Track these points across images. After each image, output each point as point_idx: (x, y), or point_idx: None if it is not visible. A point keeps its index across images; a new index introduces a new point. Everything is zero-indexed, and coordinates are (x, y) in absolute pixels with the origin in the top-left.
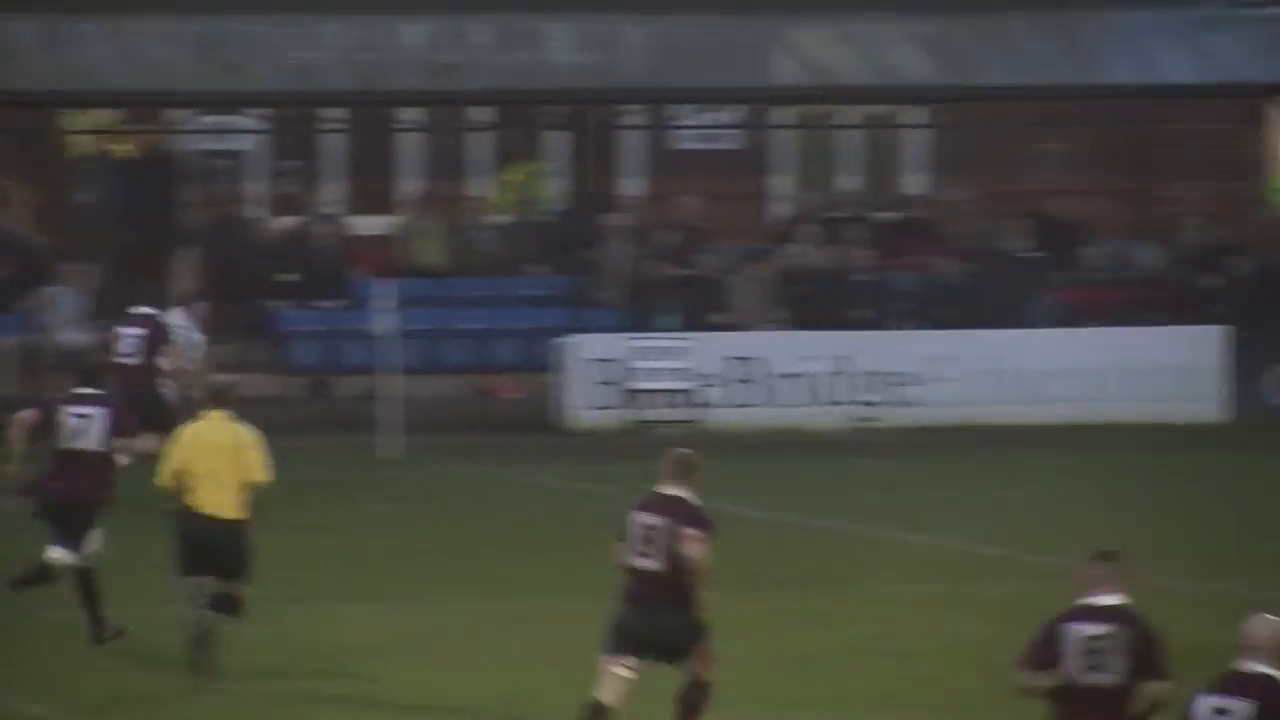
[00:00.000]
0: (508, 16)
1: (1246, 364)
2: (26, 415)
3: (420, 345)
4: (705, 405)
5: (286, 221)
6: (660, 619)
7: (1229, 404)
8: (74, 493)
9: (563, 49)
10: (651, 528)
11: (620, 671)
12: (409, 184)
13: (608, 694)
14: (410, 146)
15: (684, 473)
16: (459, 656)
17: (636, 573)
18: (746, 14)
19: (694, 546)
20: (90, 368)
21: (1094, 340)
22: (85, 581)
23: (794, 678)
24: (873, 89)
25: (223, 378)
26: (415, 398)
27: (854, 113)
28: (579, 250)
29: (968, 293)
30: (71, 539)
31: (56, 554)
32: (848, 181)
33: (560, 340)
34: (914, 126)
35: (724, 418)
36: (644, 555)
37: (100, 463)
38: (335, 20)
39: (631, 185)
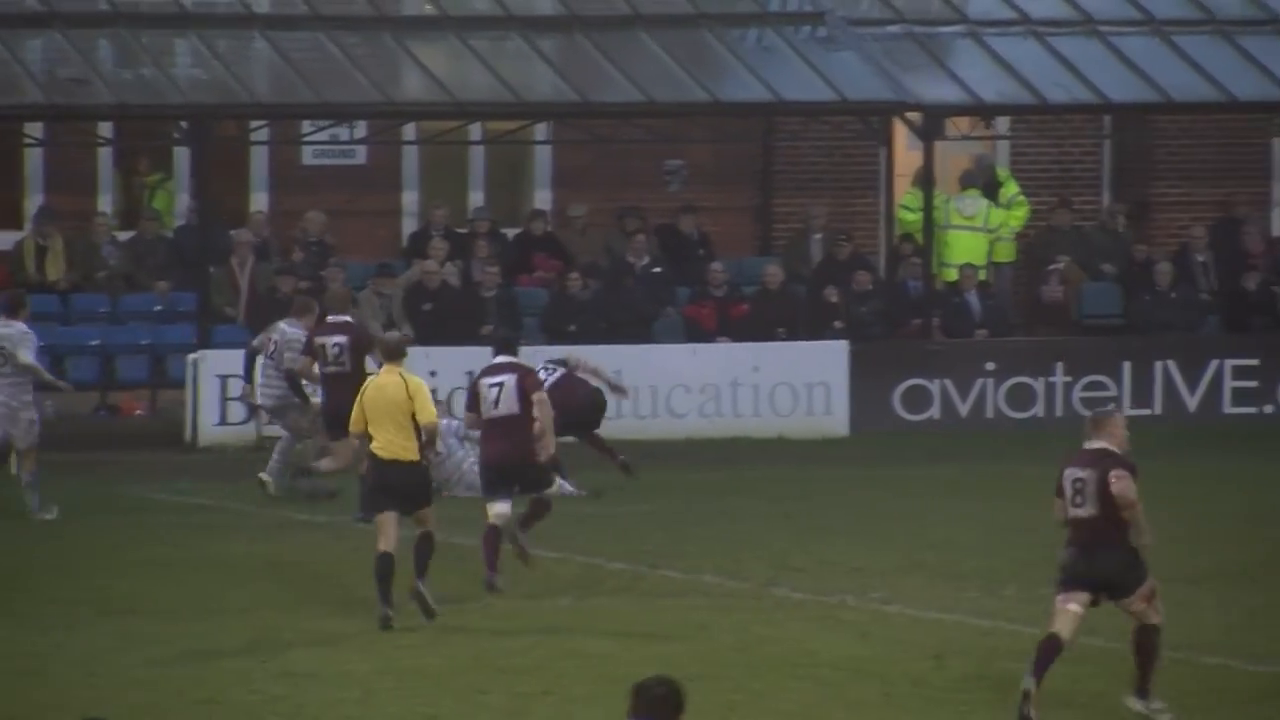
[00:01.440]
0: (131, 32)
1: (870, 379)
2: None
3: (44, 362)
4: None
5: None
6: (1100, 559)
7: (854, 418)
8: None
9: (187, 64)
10: (1080, 479)
11: (1072, 608)
12: (32, 199)
13: (1064, 630)
14: (34, 161)
15: (1102, 428)
16: (79, 676)
17: (1075, 521)
18: (373, 30)
19: (1121, 483)
20: None
21: (719, 355)
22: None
23: (418, 694)
24: (499, 105)
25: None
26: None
27: (480, 128)
28: (205, 265)
29: (594, 308)
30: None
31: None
32: (476, 197)
33: (188, 356)
34: (539, 143)
35: None
36: (1078, 505)
37: None
38: None
39: (259, 200)
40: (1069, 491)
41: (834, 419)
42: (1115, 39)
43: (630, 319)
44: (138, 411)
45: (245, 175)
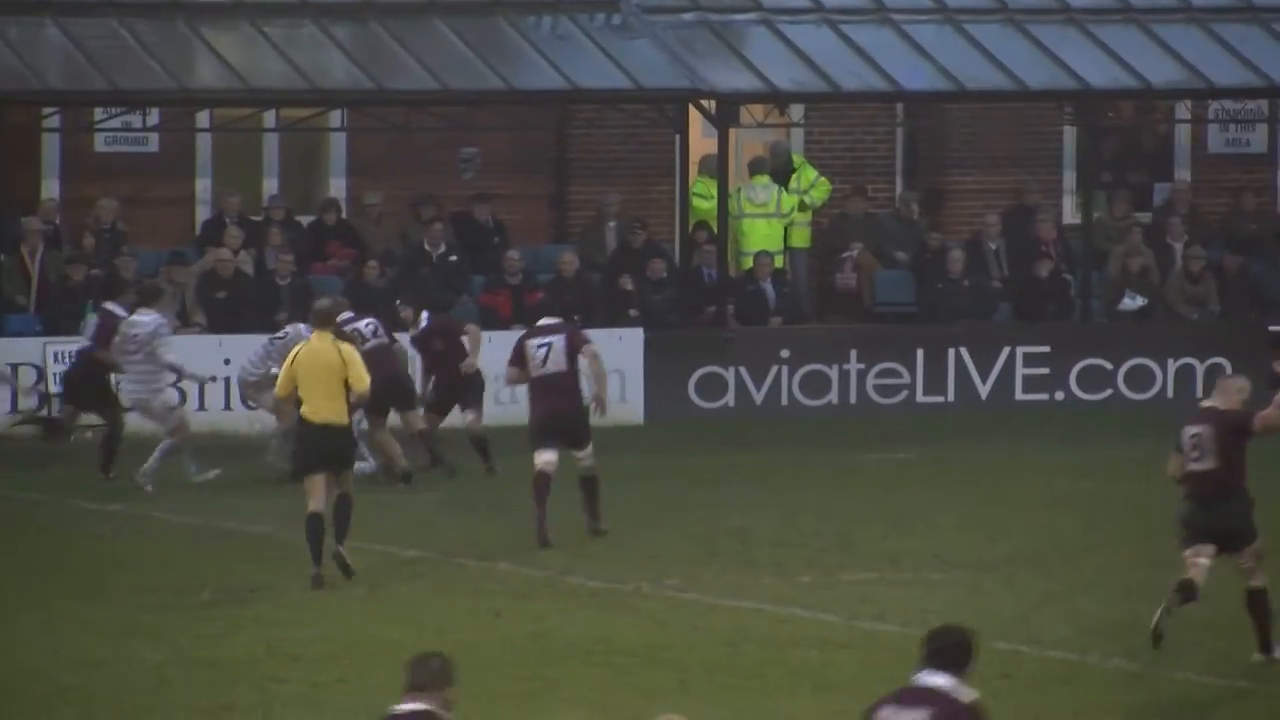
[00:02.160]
0: None
1: (665, 367)
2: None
3: None
4: (125, 409)
5: None
6: (1218, 511)
7: (649, 406)
8: None
9: None
10: (1197, 434)
11: (1202, 561)
12: None
13: (1198, 578)
14: None
15: (1218, 389)
16: None
17: (1194, 475)
18: (167, 17)
19: (1269, 416)
20: None
21: (513, 343)
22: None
23: (213, 683)
24: (292, 92)
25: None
26: None
27: (273, 116)
28: None
29: (390, 296)
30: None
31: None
32: (270, 185)
33: None
34: (334, 130)
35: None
36: (1196, 459)
37: None
38: None
39: (50, 188)
40: (1186, 447)
41: (629, 407)
42: (908, 27)
43: (427, 307)
44: None
45: (36, 162)
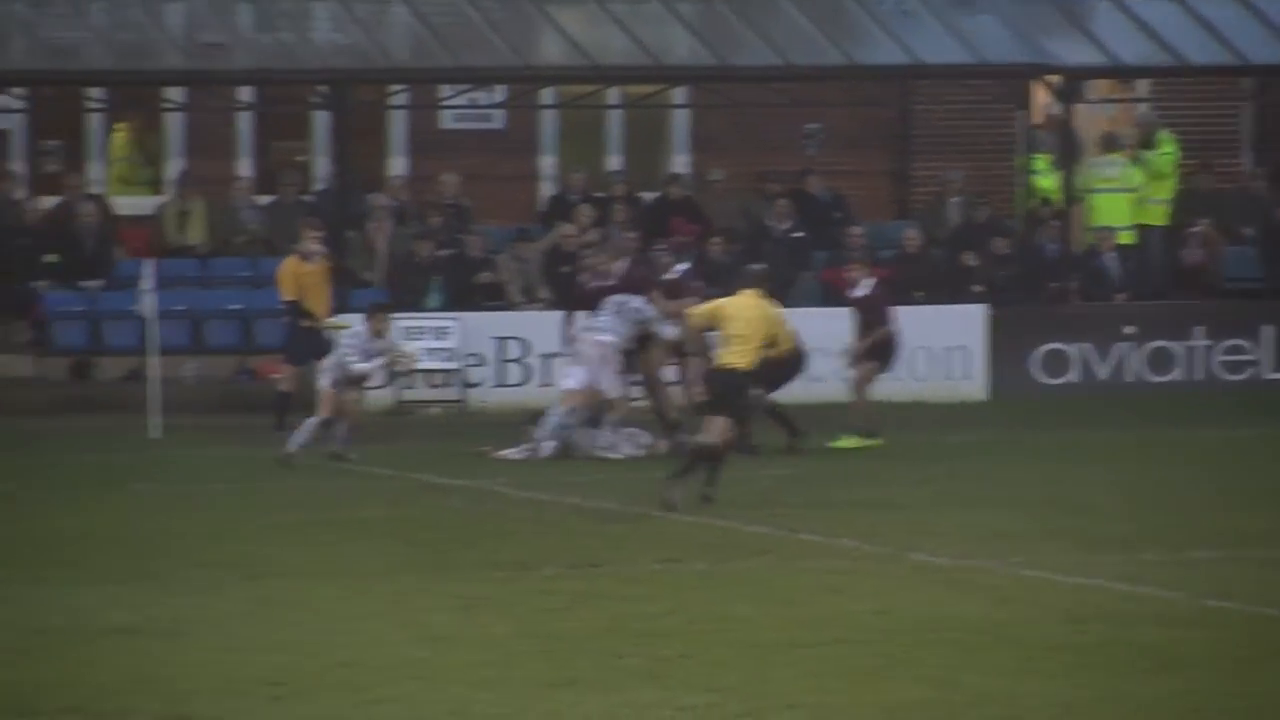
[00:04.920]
0: None
1: (1009, 343)
2: None
3: (184, 326)
4: (470, 385)
5: (49, 201)
6: None
7: (992, 383)
8: None
9: (326, 28)
10: None
11: None
12: (173, 164)
13: None
14: (174, 126)
15: None
16: (220, 639)
17: None
18: None
19: None
20: None
21: None
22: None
23: (556, 657)
24: (636, 69)
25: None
26: (178, 378)
27: (618, 92)
28: (343, 230)
29: (731, 272)
30: None
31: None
32: (613, 161)
33: None
34: (676, 107)
35: (489, 397)
36: None
37: None
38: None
39: (397, 165)
40: None
41: (972, 383)
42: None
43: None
44: (276, 375)
45: (383, 140)
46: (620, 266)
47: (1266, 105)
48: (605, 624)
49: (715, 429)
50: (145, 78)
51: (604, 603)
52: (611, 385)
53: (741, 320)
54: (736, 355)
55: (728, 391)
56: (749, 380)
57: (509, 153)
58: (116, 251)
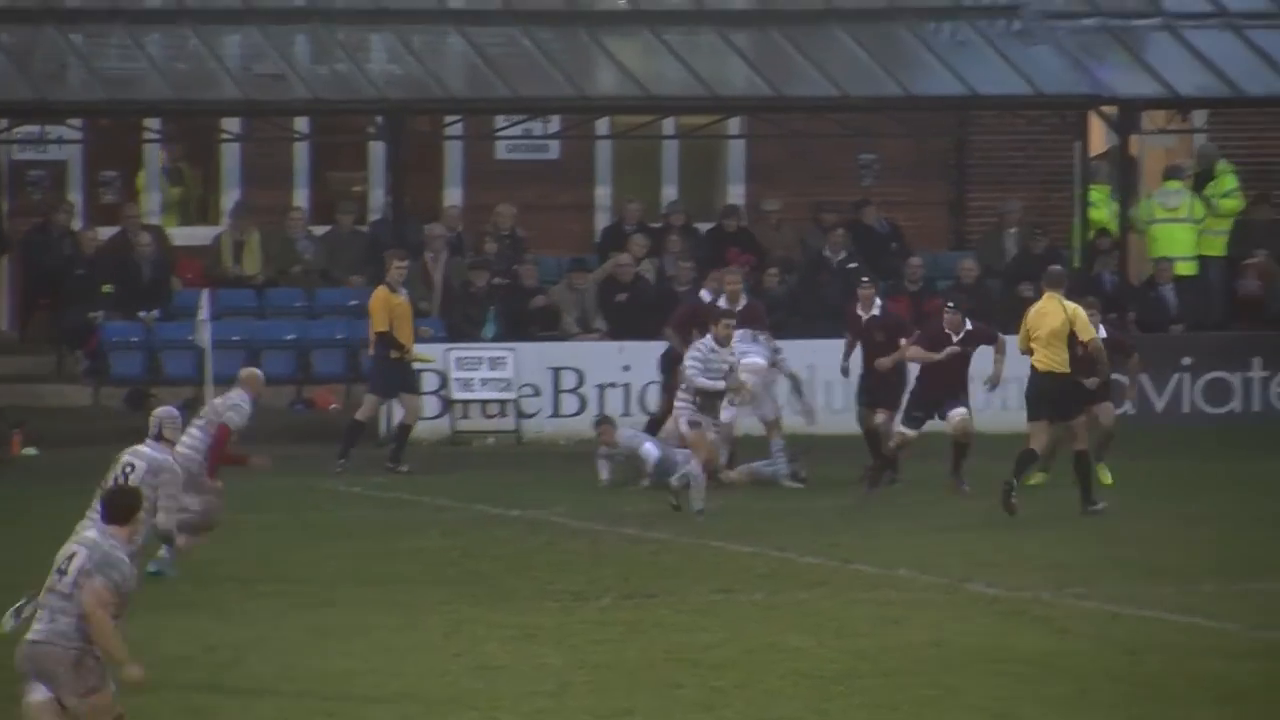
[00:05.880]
0: (327, 27)
1: None
2: None
3: (240, 356)
4: (525, 415)
5: (106, 232)
6: None
7: None
8: None
9: (381, 59)
10: None
11: None
12: (229, 194)
13: None
14: (231, 157)
15: None
16: (277, 669)
17: None
18: (567, 25)
19: None
20: None
21: None
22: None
23: (612, 687)
24: (692, 99)
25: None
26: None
27: (673, 123)
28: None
29: (789, 303)
30: None
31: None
32: (669, 192)
33: None
34: (732, 137)
35: (544, 427)
36: None
37: None
38: (153, 30)
39: (452, 195)
40: None
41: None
42: None
43: (826, 313)
44: (333, 405)
45: (439, 170)
46: (744, 301)
47: None
48: (661, 654)
49: (1037, 435)
50: (202, 108)
51: (659, 633)
52: (772, 409)
53: (1048, 324)
54: (1051, 358)
55: (1053, 395)
56: (1069, 382)
57: (564, 183)
58: (173, 282)
